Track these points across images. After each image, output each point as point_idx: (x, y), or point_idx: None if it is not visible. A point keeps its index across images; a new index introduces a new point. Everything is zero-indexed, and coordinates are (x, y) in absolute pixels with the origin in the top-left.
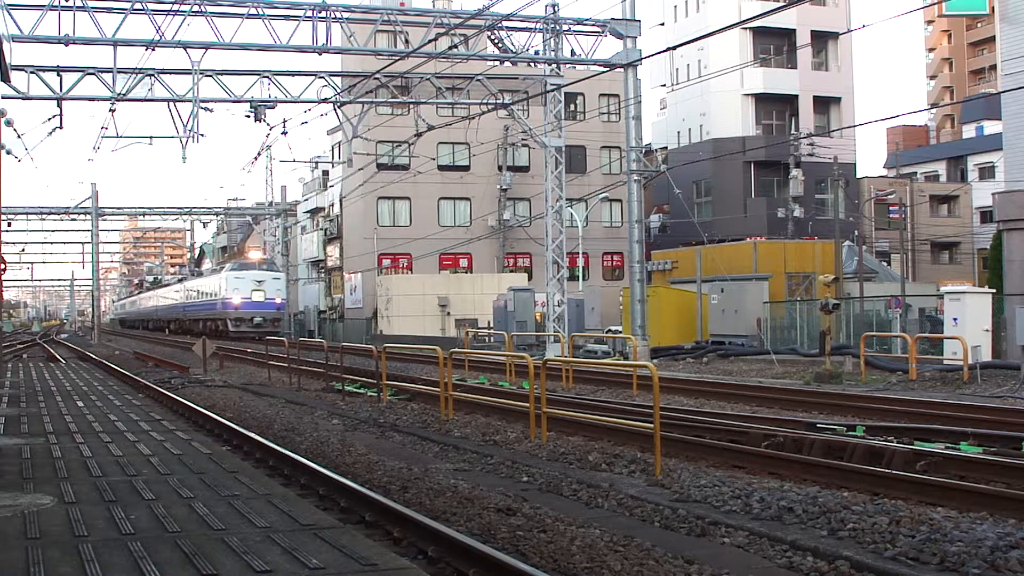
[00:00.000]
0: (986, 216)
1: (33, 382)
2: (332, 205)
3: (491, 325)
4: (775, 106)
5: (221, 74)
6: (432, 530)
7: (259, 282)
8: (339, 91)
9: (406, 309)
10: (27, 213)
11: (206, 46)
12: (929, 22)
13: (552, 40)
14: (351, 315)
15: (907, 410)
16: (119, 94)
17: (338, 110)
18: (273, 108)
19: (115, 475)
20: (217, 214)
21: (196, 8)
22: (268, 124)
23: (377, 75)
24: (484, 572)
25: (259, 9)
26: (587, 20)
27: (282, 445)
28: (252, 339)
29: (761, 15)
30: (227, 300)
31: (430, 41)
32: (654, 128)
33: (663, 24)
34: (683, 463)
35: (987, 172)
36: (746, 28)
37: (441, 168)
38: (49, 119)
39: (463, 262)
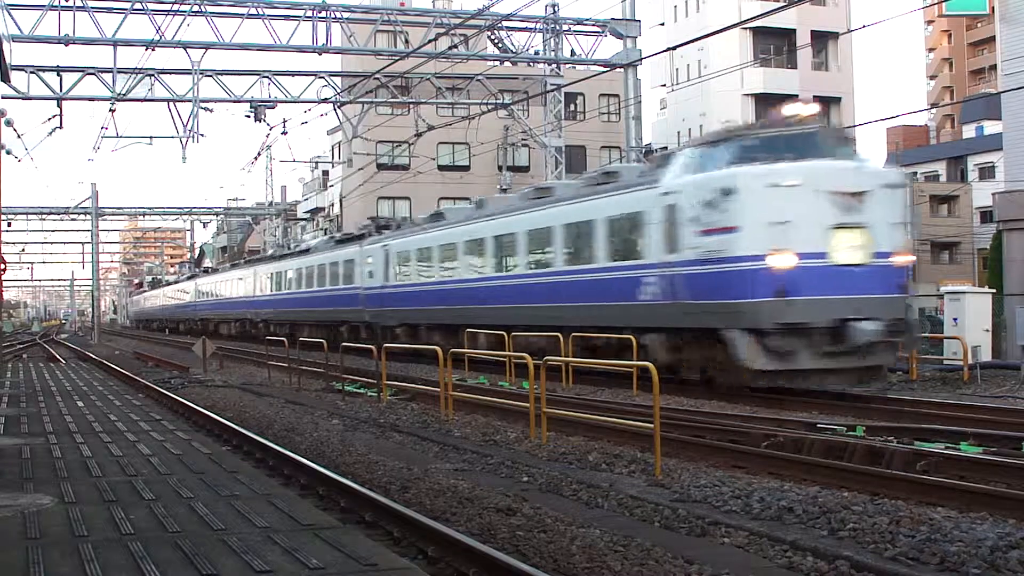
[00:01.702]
0: (986, 216)
1: (33, 382)
2: (332, 205)
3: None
4: (775, 106)
5: (221, 74)
6: (432, 530)
7: (853, 197)
8: (339, 91)
9: None
10: (27, 213)
11: (206, 46)
12: (929, 22)
13: (552, 40)
14: None
15: (907, 410)
16: (119, 94)
17: (338, 110)
18: (273, 108)
19: (115, 475)
20: (217, 214)
21: (196, 8)
22: (268, 124)
23: (377, 75)
24: (484, 572)
25: (259, 9)
26: (587, 20)
27: (282, 445)
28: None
29: (761, 15)
30: (754, 266)
31: (430, 41)
32: (654, 128)
33: (663, 24)
34: (683, 463)
35: (987, 172)
36: (746, 28)
37: (441, 168)
38: (49, 119)
39: None
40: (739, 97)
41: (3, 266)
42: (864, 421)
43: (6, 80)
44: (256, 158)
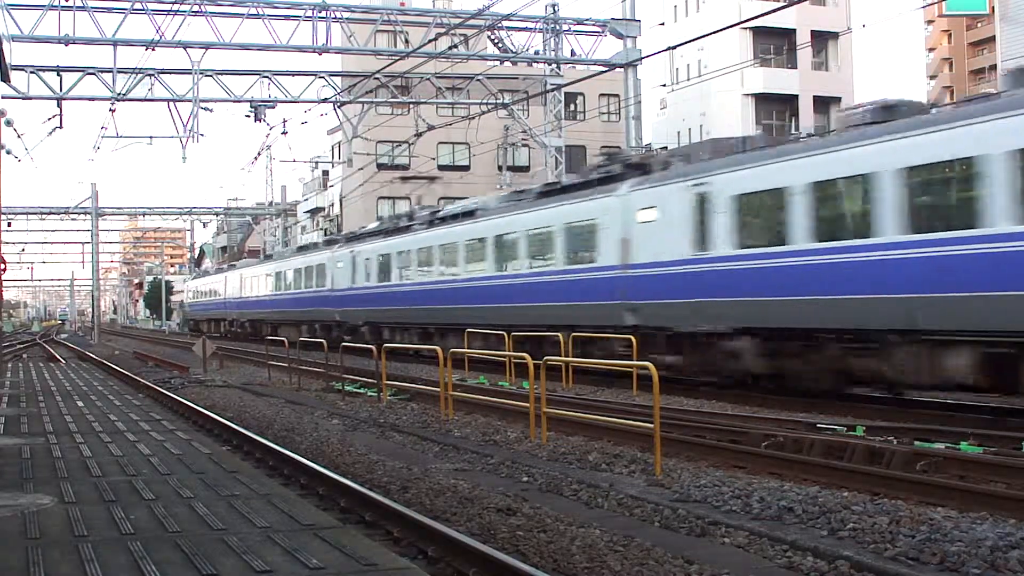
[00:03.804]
0: None
1: (33, 382)
2: (332, 205)
3: None
4: (775, 106)
5: (221, 74)
6: (432, 530)
7: None
8: (339, 91)
9: None
10: (27, 213)
11: (206, 46)
12: (929, 22)
13: (552, 40)
14: None
15: (907, 410)
16: (119, 94)
17: (338, 110)
18: (273, 108)
19: (115, 475)
20: (217, 214)
21: (196, 8)
22: (268, 124)
23: (377, 75)
24: (484, 572)
25: (259, 9)
26: (587, 20)
27: (282, 445)
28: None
29: (761, 15)
30: None
31: (430, 41)
32: (654, 128)
33: (663, 24)
34: (683, 463)
35: None
36: (746, 28)
37: (441, 168)
38: (49, 119)
39: None
40: (739, 97)
41: (3, 266)
42: (864, 421)
43: (6, 80)
44: (256, 158)
